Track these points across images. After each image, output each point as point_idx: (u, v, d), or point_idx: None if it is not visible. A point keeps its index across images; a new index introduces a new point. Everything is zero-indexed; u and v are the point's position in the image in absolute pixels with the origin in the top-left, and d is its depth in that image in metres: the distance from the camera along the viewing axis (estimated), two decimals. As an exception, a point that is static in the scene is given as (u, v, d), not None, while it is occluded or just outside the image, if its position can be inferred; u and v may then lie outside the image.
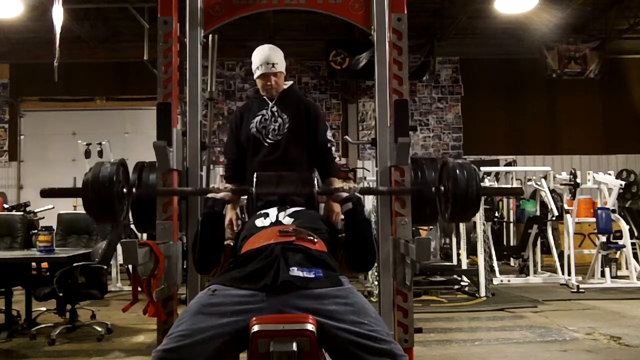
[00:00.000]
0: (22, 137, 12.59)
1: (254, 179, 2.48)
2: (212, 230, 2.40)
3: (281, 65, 3.12)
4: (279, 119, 3.09)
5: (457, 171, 2.30)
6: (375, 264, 2.74)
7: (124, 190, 2.37)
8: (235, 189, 2.59)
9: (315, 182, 2.43)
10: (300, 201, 2.59)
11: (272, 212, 2.45)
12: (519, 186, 2.18)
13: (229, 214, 3.07)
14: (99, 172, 2.26)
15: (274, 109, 3.12)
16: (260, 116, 3.11)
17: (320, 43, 12.18)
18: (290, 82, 3.26)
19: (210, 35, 3.06)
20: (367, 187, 2.89)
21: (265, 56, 3.09)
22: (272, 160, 3.05)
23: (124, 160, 2.41)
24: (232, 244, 2.50)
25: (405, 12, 2.85)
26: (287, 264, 1.96)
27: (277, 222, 2.36)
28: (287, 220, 2.37)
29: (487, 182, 8.55)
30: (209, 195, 2.49)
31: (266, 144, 3.09)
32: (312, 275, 1.94)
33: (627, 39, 12.60)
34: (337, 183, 3.07)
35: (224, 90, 12.54)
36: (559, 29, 11.68)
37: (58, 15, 7.42)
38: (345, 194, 2.44)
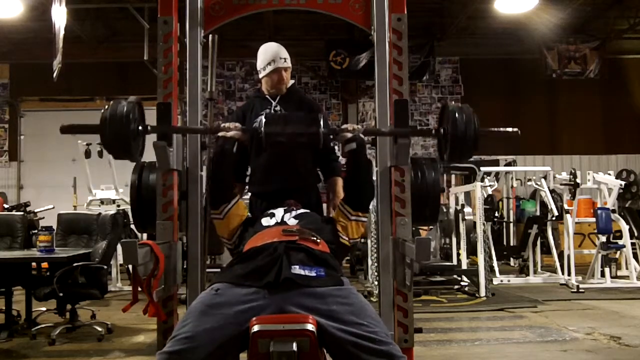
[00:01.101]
0: (22, 137, 12.60)
1: (263, 119, 2.50)
2: (223, 167, 2.53)
3: (289, 61, 3.15)
4: None
5: (456, 114, 2.41)
6: (375, 264, 2.74)
7: (140, 127, 2.43)
8: (244, 127, 2.67)
9: (321, 122, 2.45)
10: (305, 199, 2.65)
11: (278, 212, 2.50)
12: (515, 129, 2.20)
13: None
14: (116, 109, 2.34)
15: (277, 108, 3.11)
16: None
17: (320, 43, 12.19)
18: (292, 82, 3.26)
19: (210, 35, 3.06)
20: (370, 128, 2.97)
21: (276, 52, 3.11)
22: (275, 160, 3.04)
23: (140, 99, 2.46)
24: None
25: (405, 12, 2.85)
26: (290, 262, 1.98)
27: (282, 223, 2.40)
28: (292, 222, 2.41)
29: (487, 182, 8.57)
30: (220, 133, 2.57)
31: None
32: (313, 274, 1.96)
33: (627, 39, 12.61)
34: (340, 185, 3.09)
35: (224, 90, 12.55)
36: (559, 29, 11.69)
37: (60, 16, 7.43)
38: (349, 134, 2.53)
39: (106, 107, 2.39)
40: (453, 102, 2.62)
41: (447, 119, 2.44)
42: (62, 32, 7.81)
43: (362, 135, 2.56)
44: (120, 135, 2.33)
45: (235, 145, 2.57)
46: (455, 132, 2.38)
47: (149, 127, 2.50)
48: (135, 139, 2.39)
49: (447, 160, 2.53)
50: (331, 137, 2.63)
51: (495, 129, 2.61)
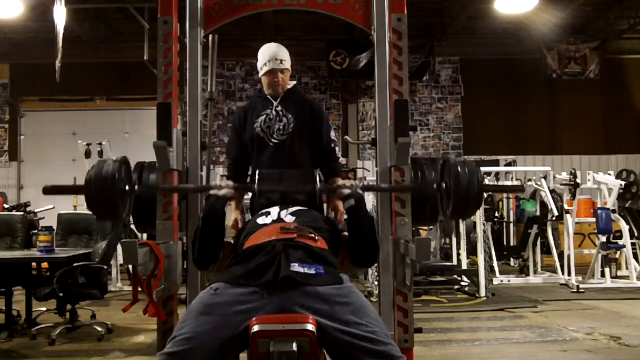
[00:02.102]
0: (22, 137, 12.59)
1: (256, 176, 2.47)
2: (212, 227, 2.40)
3: (288, 63, 3.12)
4: (284, 119, 3.08)
5: (459, 168, 2.30)
6: (375, 264, 2.74)
7: (126, 187, 2.37)
8: (237, 185, 2.58)
9: (318, 179, 2.42)
10: (303, 200, 2.60)
11: (274, 210, 2.47)
12: (520, 184, 2.19)
13: (233, 214, 3.08)
14: (102, 170, 2.26)
15: (279, 108, 3.11)
16: (264, 115, 3.10)
17: (320, 43, 12.18)
18: (293, 82, 3.26)
19: (210, 35, 3.06)
20: (368, 184, 2.89)
21: (273, 52, 3.09)
22: (277, 160, 3.04)
23: (126, 158, 2.40)
24: (232, 241, 2.51)
25: (405, 12, 2.85)
26: (288, 260, 1.97)
27: (279, 220, 2.38)
28: (289, 219, 2.38)
29: (486, 182, 8.56)
30: (211, 192, 2.48)
31: (271, 143, 3.07)
32: (312, 272, 1.95)
33: (627, 39, 12.60)
34: (340, 182, 3.07)
35: (224, 90, 12.54)
36: (559, 29, 11.68)
37: (60, 15, 7.43)
38: (347, 191, 2.44)
39: (92, 167, 2.32)
40: (454, 156, 2.57)
41: (448, 173, 2.35)
42: (62, 32, 7.81)
43: (359, 191, 2.46)
44: (106, 196, 2.26)
45: (225, 204, 2.51)
46: (457, 187, 2.28)
47: (135, 187, 2.45)
48: (122, 199, 2.33)
49: (450, 217, 2.43)
50: (328, 194, 2.57)
51: (500, 185, 2.56)
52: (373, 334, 1.81)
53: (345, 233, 2.49)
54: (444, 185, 2.40)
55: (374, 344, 1.79)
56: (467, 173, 2.28)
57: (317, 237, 2.20)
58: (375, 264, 2.76)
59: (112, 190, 2.25)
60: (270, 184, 2.45)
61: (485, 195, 8.57)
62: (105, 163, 2.30)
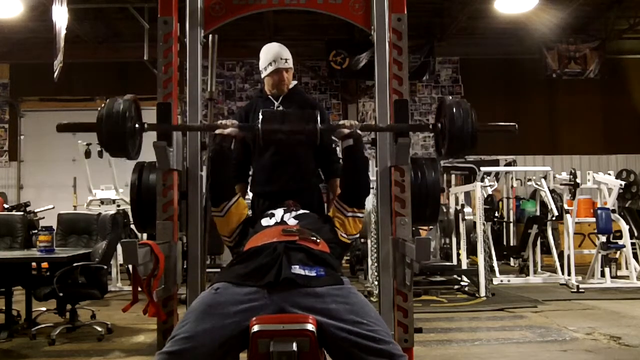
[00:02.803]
0: (22, 137, 12.60)
1: (260, 116, 2.48)
2: (222, 165, 2.52)
3: (291, 62, 3.15)
4: None
5: (454, 109, 2.39)
6: (375, 264, 2.73)
7: (136, 125, 2.42)
8: (242, 124, 2.65)
9: (319, 119, 2.45)
10: (305, 200, 2.65)
11: (278, 212, 2.50)
12: (512, 124, 2.21)
13: None
14: (112, 108, 2.33)
15: (280, 108, 3.11)
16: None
17: (320, 43, 12.18)
18: (295, 82, 3.26)
19: (210, 35, 3.06)
20: (367, 124, 2.97)
21: (277, 52, 3.11)
22: (278, 160, 3.04)
23: (136, 97, 2.46)
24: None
25: (405, 12, 2.85)
26: (290, 262, 1.98)
27: (282, 222, 2.40)
28: (292, 222, 2.41)
29: (487, 182, 8.57)
30: (217, 131, 2.55)
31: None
32: (313, 274, 1.96)
33: (627, 39, 12.61)
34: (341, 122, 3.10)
35: (224, 90, 12.55)
36: (559, 29, 11.69)
37: (62, 16, 7.44)
38: (347, 130, 2.52)
39: (103, 105, 2.38)
40: (451, 97, 2.63)
41: (444, 113, 2.43)
42: (63, 32, 7.81)
43: (359, 132, 2.55)
44: (117, 133, 2.33)
45: (232, 142, 2.57)
46: (452, 127, 2.36)
47: (145, 125, 2.50)
48: (131, 137, 2.39)
49: (444, 156, 2.52)
50: (330, 134, 2.62)
51: (493, 124, 2.61)
52: (375, 333, 1.81)
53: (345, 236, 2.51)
54: (439, 125, 2.46)
55: (376, 343, 1.79)
56: (461, 113, 2.37)
57: (318, 240, 2.22)
58: (376, 264, 2.76)
59: (123, 128, 2.33)
60: (273, 124, 2.46)
61: (485, 194, 8.60)
62: (115, 102, 2.36)
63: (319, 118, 2.46)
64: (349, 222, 2.50)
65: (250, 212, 2.74)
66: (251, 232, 2.37)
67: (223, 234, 2.57)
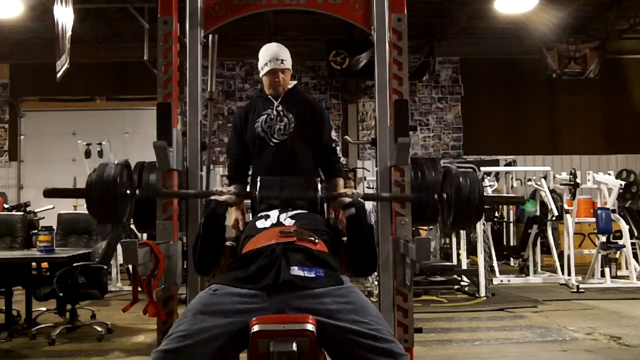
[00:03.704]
0: (22, 137, 12.59)
1: (258, 183, 2.46)
2: (213, 233, 2.40)
3: (289, 63, 3.11)
4: (285, 119, 3.08)
5: (460, 179, 2.30)
6: (373, 272, 2.73)
7: (128, 191, 2.36)
8: (238, 192, 2.57)
9: (319, 186, 2.42)
10: (303, 204, 2.59)
11: (274, 213, 2.46)
12: (521, 196, 2.20)
13: (233, 214, 3.07)
14: (103, 173, 2.25)
15: (279, 108, 3.10)
16: (265, 115, 3.09)
17: (320, 43, 12.18)
18: (294, 82, 3.26)
19: (210, 35, 3.06)
20: (369, 193, 2.90)
21: (274, 52, 3.08)
22: (278, 160, 3.04)
23: (128, 161, 2.40)
24: (232, 245, 2.51)
25: (405, 12, 2.85)
26: (288, 263, 1.97)
27: (279, 224, 2.37)
28: (289, 222, 2.37)
29: (486, 182, 8.57)
30: (212, 197, 2.48)
31: (272, 143, 3.06)
32: (312, 275, 1.95)
33: (627, 39, 12.61)
34: (341, 186, 3.06)
35: (224, 90, 12.54)
36: (559, 29, 11.68)
37: (67, 16, 7.44)
38: (348, 199, 2.45)
39: (93, 170, 2.30)
40: (456, 167, 2.56)
41: (450, 183, 2.36)
42: (69, 33, 7.82)
43: (361, 200, 2.46)
44: (107, 199, 2.24)
45: (226, 209, 2.52)
46: (459, 198, 2.27)
47: (137, 192, 2.43)
48: (123, 204, 2.31)
49: (450, 228, 2.43)
50: (329, 202, 2.56)
51: (500, 195, 2.57)
52: (376, 332, 1.80)
53: (345, 239, 2.48)
54: (445, 195, 2.40)
55: (377, 342, 1.78)
56: (468, 184, 2.28)
57: (317, 240, 2.20)
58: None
59: (114, 194, 2.24)
60: (271, 191, 2.45)
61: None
62: (107, 167, 2.28)
63: (319, 186, 2.43)
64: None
65: (249, 213, 2.74)
66: (248, 235, 2.34)
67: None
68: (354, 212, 2.43)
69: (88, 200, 2.26)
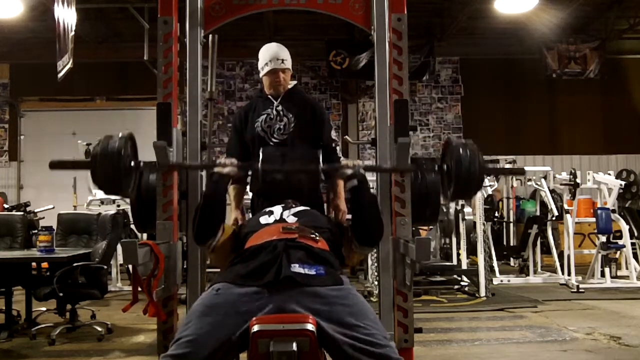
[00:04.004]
0: (22, 137, 12.59)
1: (260, 156, 2.46)
2: (214, 205, 2.40)
3: (289, 62, 3.11)
4: (285, 119, 3.08)
5: (460, 150, 2.31)
6: (375, 264, 2.74)
7: (132, 163, 2.36)
8: (241, 164, 2.57)
9: (320, 159, 2.41)
10: (306, 198, 2.62)
11: (277, 210, 2.47)
12: (521, 167, 2.23)
13: (233, 213, 3.08)
14: (107, 145, 2.26)
15: (279, 108, 3.10)
16: (265, 115, 3.10)
17: (320, 43, 12.18)
18: (294, 82, 3.26)
19: (210, 35, 3.06)
20: (370, 164, 2.90)
21: (274, 52, 3.09)
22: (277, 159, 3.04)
23: (132, 133, 2.39)
24: (235, 228, 2.54)
25: (405, 12, 2.85)
26: (289, 260, 1.98)
27: (281, 220, 2.38)
28: (291, 219, 2.38)
29: (486, 182, 8.57)
30: (215, 170, 2.47)
31: (272, 143, 3.07)
32: (313, 272, 1.96)
33: (627, 39, 12.61)
34: (341, 185, 3.05)
35: (224, 90, 12.55)
36: (559, 29, 11.69)
37: (70, 17, 7.45)
38: (349, 171, 2.43)
39: (97, 143, 2.30)
40: (456, 137, 2.57)
41: (450, 155, 2.36)
42: (71, 33, 7.83)
43: (362, 172, 2.45)
44: (112, 172, 2.25)
45: (229, 182, 2.52)
46: (459, 169, 2.28)
47: (141, 163, 2.42)
48: (127, 176, 2.31)
49: (450, 198, 2.44)
50: (330, 173, 2.55)
51: (500, 167, 2.58)
52: (371, 337, 1.82)
53: (349, 216, 2.48)
54: (445, 167, 2.41)
55: (373, 347, 1.80)
56: (468, 155, 2.30)
57: (318, 238, 2.21)
58: (376, 264, 2.76)
59: (118, 166, 2.25)
60: (273, 164, 2.44)
61: (485, 194, 8.60)
62: (111, 139, 2.28)
63: (320, 158, 2.42)
64: (353, 257, 2.48)
65: (250, 212, 2.74)
66: (250, 230, 2.35)
67: (220, 264, 2.47)
68: (356, 184, 2.41)
69: (93, 171, 2.26)
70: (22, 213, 7.02)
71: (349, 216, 2.55)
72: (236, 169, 2.47)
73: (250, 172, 2.81)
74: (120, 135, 2.30)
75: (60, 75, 8.13)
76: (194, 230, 2.42)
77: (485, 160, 2.35)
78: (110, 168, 2.24)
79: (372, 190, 2.55)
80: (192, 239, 2.57)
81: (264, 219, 2.41)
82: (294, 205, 2.53)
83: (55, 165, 2.35)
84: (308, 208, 2.54)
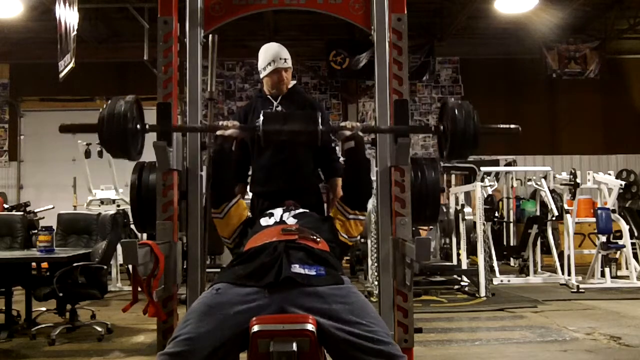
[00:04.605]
0: (22, 137, 12.60)
1: (261, 117, 2.47)
2: (223, 165, 2.52)
3: (290, 62, 3.15)
4: None
5: (456, 110, 2.38)
6: (375, 264, 2.74)
7: (138, 126, 2.42)
8: (243, 125, 2.64)
9: (320, 120, 2.43)
10: (305, 200, 2.65)
11: (277, 212, 2.50)
12: (515, 126, 2.22)
13: None
14: (114, 108, 2.32)
15: (279, 108, 3.11)
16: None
17: (320, 43, 12.19)
18: (294, 82, 3.26)
19: (210, 35, 3.06)
20: (369, 125, 2.94)
21: (276, 52, 3.11)
22: (278, 160, 3.04)
23: (138, 97, 2.44)
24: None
25: (405, 12, 2.85)
26: (290, 261, 1.98)
27: (281, 222, 2.40)
28: (292, 221, 2.40)
29: (487, 182, 8.58)
30: (218, 132, 2.54)
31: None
32: (313, 273, 1.96)
33: (627, 39, 12.62)
34: (340, 185, 3.07)
35: (224, 90, 12.55)
36: (559, 29, 11.69)
37: (72, 17, 7.46)
38: (348, 132, 2.50)
39: (104, 105, 2.37)
40: (453, 99, 2.62)
41: (446, 115, 2.43)
42: (73, 33, 7.84)
43: (360, 133, 2.53)
44: (118, 134, 2.32)
45: (234, 143, 2.57)
46: (455, 128, 2.35)
47: (147, 126, 2.49)
48: (133, 138, 2.39)
49: (446, 157, 2.52)
50: (330, 134, 2.62)
51: (496, 126, 2.61)
52: (374, 334, 1.81)
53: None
54: (441, 127, 2.46)
55: (375, 344, 1.79)
56: (463, 115, 2.36)
57: (318, 239, 2.22)
58: (376, 264, 2.76)
59: (124, 128, 2.31)
60: (274, 124, 2.45)
61: (485, 194, 8.61)
62: (117, 102, 2.34)
63: (320, 119, 2.45)
64: (350, 224, 2.50)
65: (249, 213, 2.74)
66: (250, 232, 2.36)
67: (223, 235, 2.57)
68: (353, 145, 2.51)
69: (100, 133, 2.32)
70: (22, 213, 7.02)
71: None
72: (238, 130, 2.55)
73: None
74: (127, 98, 2.37)
75: (62, 75, 8.14)
76: (210, 194, 2.55)
77: (480, 121, 2.40)
78: (117, 130, 2.30)
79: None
80: (209, 204, 2.65)
81: (264, 221, 2.43)
82: (294, 208, 2.55)
83: (65, 128, 2.42)
84: (308, 210, 2.57)
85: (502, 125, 2.61)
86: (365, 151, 2.59)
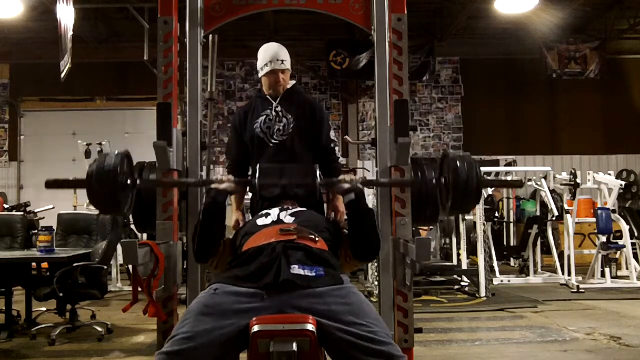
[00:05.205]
0: (22, 137, 12.59)
1: (257, 170, 2.46)
2: (213, 221, 2.37)
3: (288, 63, 3.11)
4: (284, 119, 3.08)
5: (458, 163, 2.28)
6: (375, 264, 2.74)
7: (128, 181, 2.33)
8: (238, 179, 2.55)
9: (317, 173, 2.41)
10: (304, 200, 2.60)
11: (274, 211, 2.46)
12: (519, 180, 2.19)
13: (234, 215, 3.07)
14: (103, 163, 2.21)
15: (278, 108, 3.10)
16: (264, 116, 3.09)
17: (320, 43, 12.18)
18: (293, 82, 3.26)
19: (210, 35, 3.06)
20: (368, 179, 2.89)
21: (274, 53, 3.09)
22: (277, 161, 3.04)
23: (128, 151, 2.35)
24: (230, 237, 2.51)
25: (405, 12, 2.86)
26: (288, 262, 1.96)
27: (279, 221, 2.36)
28: (289, 220, 2.37)
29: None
30: (212, 185, 2.46)
31: (271, 144, 3.07)
32: (312, 274, 1.95)
33: (627, 39, 12.61)
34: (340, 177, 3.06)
35: (224, 90, 12.54)
36: (559, 29, 11.68)
37: (68, 15, 7.46)
38: (347, 185, 2.42)
39: (93, 161, 2.26)
40: (453, 151, 2.56)
41: (447, 167, 2.34)
42: (70, 32, 7.84)
43: (359, 186, 2.45)
44: (107, 190, 2.20)
45: (227, 197, 2.50)
46: (456, 182, 2.25)
47: (138, 181, 2.40)
48: (123, 193, 2.28)
49: (448, 213, 2.42)
50: (328, 187, 2.56)
51: (498, 179, 2.56)
52: (373, 334, 1.80)
53: (346, 231, 2.48)
54: (443, 180, 2.39)
55: (375, 344, 1.78)
56: (466, 168, 2.26)
57: (317, 238, 2.20)
58: (376, 264, 2.76)
59: (114, 184, 2.20)
60: (270, 178, 2.44)
61: (485, 194, 8.61)
62: (107, 156, 2.24)
63: (317, 172, 2.43)
64: (345, 267, 2.45)
65: (249, 213, 2.74)
66: (247, 233, 2.34)
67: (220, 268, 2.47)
68: (353, 198, 2.41)
69: (89, 190, 2.21)
70: (22, 213, 7.03)
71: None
72: (233, 184, 2.46)
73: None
74: (116, 152, 2.26)
75: (62, 74, 8.14)
76: (195, 248, 2.39)
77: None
78: (107, 186, 2.18)
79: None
80: (192, 257, 2.54)
81: (260, 221, 2.39)
82: (290, 207, 2.51)
83: (51, 184, 2.27)
84: (305, 208, 2.53)
85: (503, 179, 2.55)
86: (366, 202, 2.48)
